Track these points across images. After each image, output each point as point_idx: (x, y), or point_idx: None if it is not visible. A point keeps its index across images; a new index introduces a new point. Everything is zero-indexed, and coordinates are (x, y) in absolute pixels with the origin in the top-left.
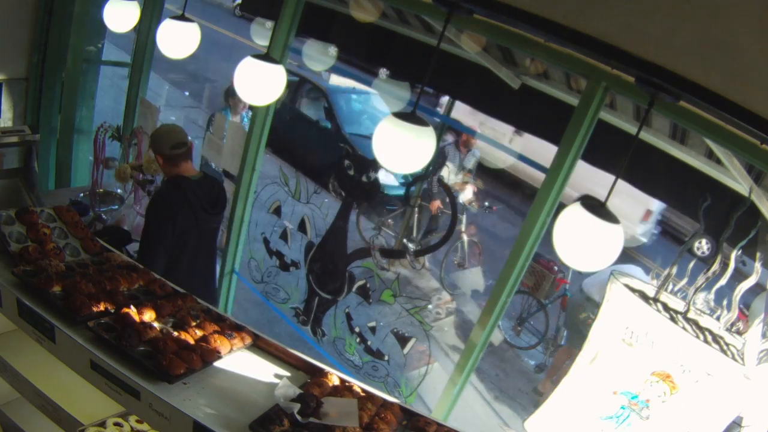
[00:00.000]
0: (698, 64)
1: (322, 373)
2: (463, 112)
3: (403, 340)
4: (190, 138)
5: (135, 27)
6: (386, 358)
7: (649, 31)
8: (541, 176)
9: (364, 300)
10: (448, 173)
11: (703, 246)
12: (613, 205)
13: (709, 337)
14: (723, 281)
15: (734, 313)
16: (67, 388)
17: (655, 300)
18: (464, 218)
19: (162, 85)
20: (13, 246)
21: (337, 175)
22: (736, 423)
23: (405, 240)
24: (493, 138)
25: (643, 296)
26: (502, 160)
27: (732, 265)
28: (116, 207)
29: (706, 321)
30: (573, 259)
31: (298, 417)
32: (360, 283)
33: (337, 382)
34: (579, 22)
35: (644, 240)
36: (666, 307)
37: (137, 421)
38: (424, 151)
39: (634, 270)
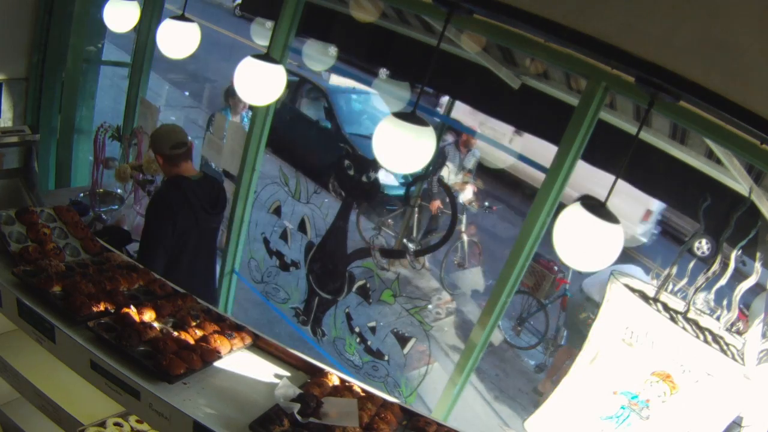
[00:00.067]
0: (698, 64)
1: (322, 373)
2: (463, 112)
3: (403, 340)
4: (190, 138)
5: (135, 27)
6: (386, 358)
7: (649, 31)
8: (540, 176)
9: (364, 300)
10: (448, 173)
11: (703, 246)
12: (613, 205)
13: (709, 337)
14: (723, 281)
15: (734, 313)
16: (67, 388)
17: (655, 300)
18: (464, 218)
19: (162, 85)
20: (13, 246)
21: (337, 175)
22: (736, 423)
23: (405, 240)
24: (493, 138)
25: (643, 296)
26: (502, 160)
27: (732, 265)
28: (116, 207)
29: (706, 321)
30: (573, 259)
31: (298, 417)
32: (360, 283)
33: (337, 382)
34: (579, 22)
35: (644, 240)
36: (666, 307)
37: (137, 421)
38: (424, 151)
39: (634, 270)
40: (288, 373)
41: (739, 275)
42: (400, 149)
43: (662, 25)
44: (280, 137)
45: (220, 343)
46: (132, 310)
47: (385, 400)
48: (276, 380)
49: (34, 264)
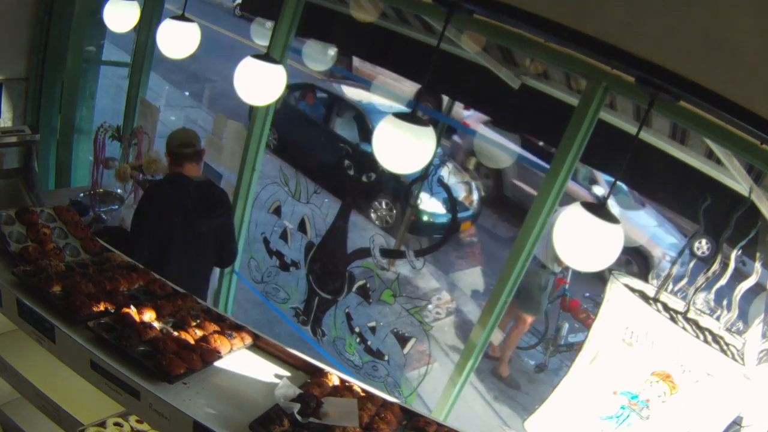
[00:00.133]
0: (698, 64)
1: (322, 373)
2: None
3: (403, 340)
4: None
5: (135, 27)
6: (386, 358)
7: (649, 31)
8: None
9: (364, 300)
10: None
11: (703, 246)
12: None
13: (709, 337)
14: (723, 281)
15: (734, 313)
16: (67, 388)
17: (655, 300)
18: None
19: (162, 85)
20: (13, 246)
21: (336, 175)
22: (736, 423)
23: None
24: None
25: (643, 296)
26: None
27: (732, 265)
28: (116, 207)
29: (706, 321)
30: (573, 259)
31: (298, 417)
32: (360, 283)
33: (337, 382)
34: (579, 22)
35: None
36: (666, 307)
37: (137, 421)
38: (424, 151)
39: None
40: (288, 373)
41: (739, 275)
42: (400, 149)
43: (662, 25)
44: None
45: (220, 343)
46: (132, 310)
47: (385, 400)
48: (276, 380)
49: (34, 264)
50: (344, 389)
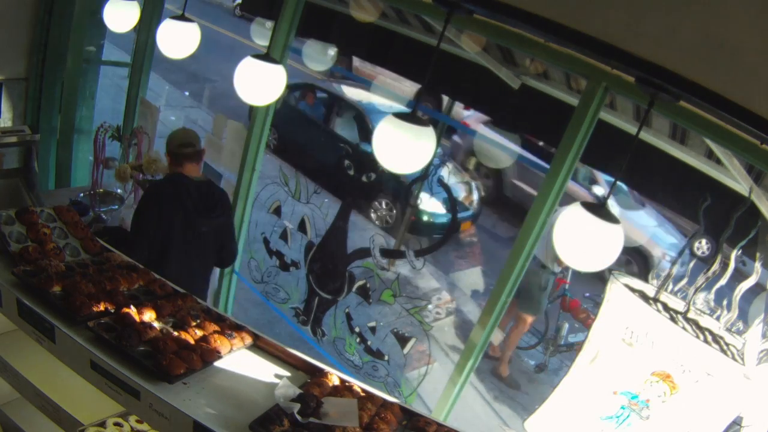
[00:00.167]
0: (698, 64)
1: (322, 373)
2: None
3: (403, 340)
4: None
5: (135, 27)
6: (386, 358)
7: (649, 31)
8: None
9: (364, 300)
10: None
11: (703, 246)
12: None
13: (709, 337)
14: (723, 281)
15: (734, 313)
16: (67, 388)
17: (655, 300)
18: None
19: (162, 85)
20: (13, 246)
21: (337, 175)
22: (736, 423)
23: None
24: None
25: (643, 296)
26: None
27: (732, 265)
28: (116, 207)
29: (706, 321)
30: (573, 259)
31: (298, 417)
32: (360, 283)
33: (337, 382)
34: (579, 22)
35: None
36: (666, 307)
37: (137, 421)
38: (424, 151)
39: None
40: (288, 373)
41: (739, 275)
42: (400, 149)
43: (662, 25)
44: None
45: (220, 343)
46: (132, 310)
47: (385, 400)
48: (276, 380)
49: (34, 264)
50: (344, 389)
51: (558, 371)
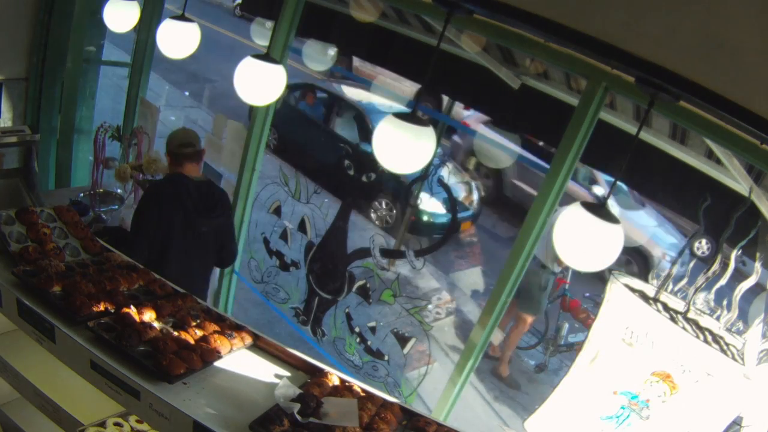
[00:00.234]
0: (698, 64)
1: (322, 373)
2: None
3: (403, 340)
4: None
5: (135, 27)
6: (386, 358)
7: (649, 31)
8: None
9: (364, 300)
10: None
11: (703, 246)
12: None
13: (709, 337)
14: (723, 281)
15: (734, 313)
16: (67, 388)
17: (655, 300)
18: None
19: (162, 85)
20: (13, 246)
21: (337, 175)
22: (736, 423)
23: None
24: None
25: (643, 296)
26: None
27: (732, 265)
28: (116, 207)
29: (706, 321)
30: (573, 259)
31: (298, 417)
32: (360, 283)
33: (337, 382)
34: (579, 22)
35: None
36: (666, 307)
37: (137, 421)
38: (424, 151)
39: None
40: (288, 373)
41: (739, 275)
42: (400, 149)
43: (662, 25)
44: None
45: (220, 343)
46: (132, 310)
47: (385, 400)
48: (276, 380)
49: (34, 264)
50: (344, 389)
51: (558, 371)
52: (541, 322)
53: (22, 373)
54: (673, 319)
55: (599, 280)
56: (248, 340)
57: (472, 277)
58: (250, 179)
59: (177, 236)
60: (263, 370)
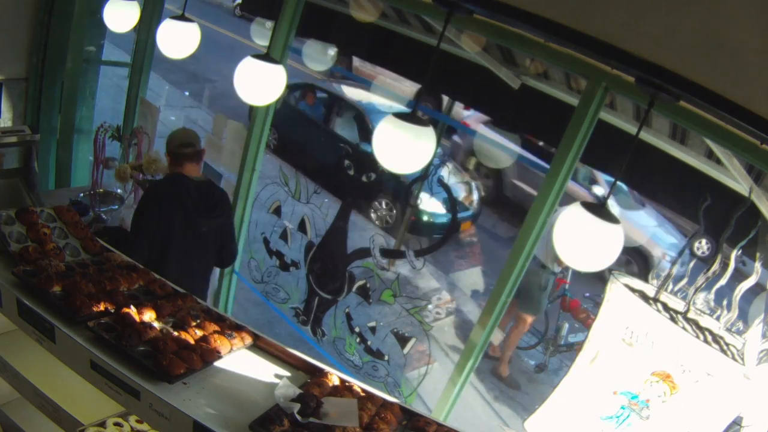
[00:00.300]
0: (698, 64)
1: (322, 373)
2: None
3: (403, 340)
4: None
5: (135, 27)
6: (386, 358)
7: (649, 31)
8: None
9: (364, 300)
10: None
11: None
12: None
13: (709, 337)
14: (723, 281)
15: (734, 313)
16: (67, 388)
17: (655, 300)
18: None
19: (162, 85)
20: (13, 246)
21: (337, 175)
22: (736, 423)
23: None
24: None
25: (643, 296)
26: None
27: (732, 265)
28: (116, 207)
29: (706, 321)
30: (573, 259)
31: (298, 417)
32: (360, 283)
33: (337, 382)
34: (579, 22)
35: None
36: (666, 307)
37: (137, 421)
38: (424, 151)
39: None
40: (288, 373)
41: (739, 275)
42: (400, 149)
43: (662, 25)
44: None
45: (220, 343)
46: (132, 310)
47: (385, 400)
48: (276, 380)
49: (34, 264)
50: (344, 389)
51: (558, 371)
52: (541, 322)
53: (22, 373)
54: (673, 319)
55: (599, 280)
56: (248, 340)
57: (472, 277)
58: (250, 179)
59: (177, 236)
60: (263, 370)
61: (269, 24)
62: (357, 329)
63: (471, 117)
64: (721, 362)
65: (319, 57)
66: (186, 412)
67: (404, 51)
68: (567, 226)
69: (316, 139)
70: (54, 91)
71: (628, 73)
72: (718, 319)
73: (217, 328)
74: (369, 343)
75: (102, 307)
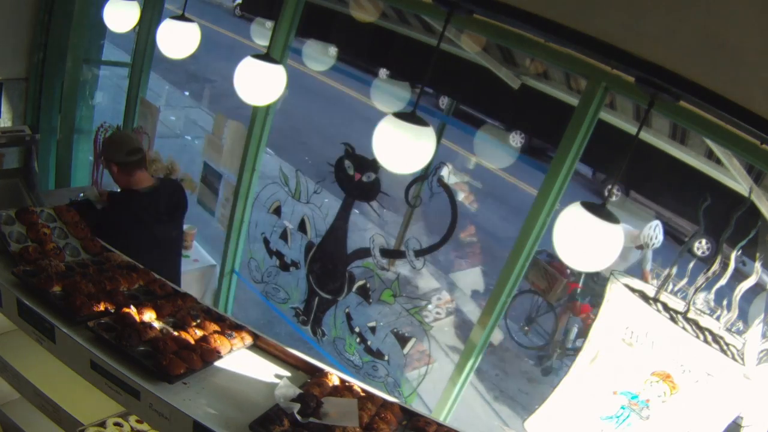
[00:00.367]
0: (698, 64)
1: (322, 373)
2: None
3: (403, 340)
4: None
5: (135, 27)
6: (386, 358)
7: (649, 31)
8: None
9: (364, 300)
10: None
11: (703, 246)
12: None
13: (709, 337)
14: (723, 281)
15: (734, 313)
16: (67, 388)
17: (655, 300)
18: None
19: (162, 85)
20: (13, 246)
21: (336, 175)
22: (736, 423)
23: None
24: None
25: (643, 296)
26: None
27: (732, 265)
28: None
29: (706, 321)
30: (573, 259)
31: (298, 417)
32: (360, 283)
33: (337, 382)
34: (579, 22)
35: None
36: (666, 307)
37: (137, 421)
38: (423, 151)
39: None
40: (288, 373)
41: (739, 275)
42: (400, 149)
43: (662, 25)
44: None
45: (220, 343)
46: (132, 310)
47: (385, 400)
48: (276, 380)
49: (34, 264)
50: (344, 389)
51: (558, 371)
52: (549, 324)
53: (22, 373)
54: (673, 319)
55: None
56: (248, 340)
57: (472, 277)
58: (250, 179)
59: (147, 248)
60: (263, 370)
61: (269, 24)
62: (357, 329)
63: None
64: (721, 362)
65: (319, 57)
66: (186, 412)
67: (404, 51)
68: (567, 226)
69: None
70: (54, 91)
71: (628, 73)
72: (718, 319)
73: (217, 328)
74: (369, 343)
75: (102, 307)
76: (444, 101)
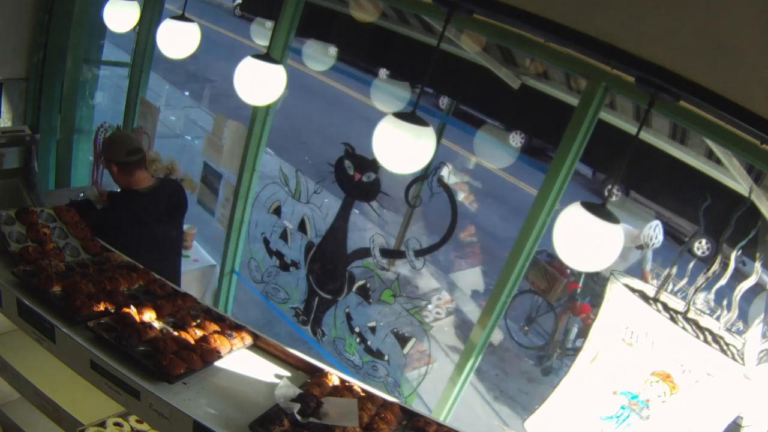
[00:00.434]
0: (698, 64)
1: (322, 373)
2: None
3: (403, 340)
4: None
5: (135, 27)
6: (386, 358)
7: (649, 31)
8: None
9: (364, 300)
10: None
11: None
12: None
13: (709, 337)
14: (723, 281)
15: (734, 313)
16: (67, 388)
17: (655, 300)
18: None
19: (162, 85)
20: (13, 246)
21: (336, 175)
22: (736, 423)
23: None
24: None
25: (643, 296)
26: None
27: (732, 265)
28: None
29: (706, 321)
30: (573, 259)
31: (298, 417)
32: (360, 283)
33: (337, 382)
34: (579, 22)
35: None
36: (666, 307)
37: (137, 421)
38: (423, 151)
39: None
40: (288, 373)
41: (739, 275)
42: (399, 149)
43: (662, 25)
44: None
45: (220, 343)
46: (132, 310)
47: (385, 400)
48: (276, 380)
49: (34, 264)
50: (344, 389)
51: (558, 371)
52: (549, 324)
53: (22, 373)
54: (673, 319)
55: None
56: (248, 340)
57: (472, 277)
58: (250, 179)
59: (147, 248)
60: (263, 370)
61: (269, 24)
62: (357, 329)
63: None
64: (721, 362)
65: (319, 57)
66: (186, 412)
67: (404, 51)
68: (567, 226)
69: None
70: (54, 91)
71: (628, 73)
72: (718, 319)
73: (217, 328)
74: (369, 343)
75: (102, 307)
76: (444, 101)
